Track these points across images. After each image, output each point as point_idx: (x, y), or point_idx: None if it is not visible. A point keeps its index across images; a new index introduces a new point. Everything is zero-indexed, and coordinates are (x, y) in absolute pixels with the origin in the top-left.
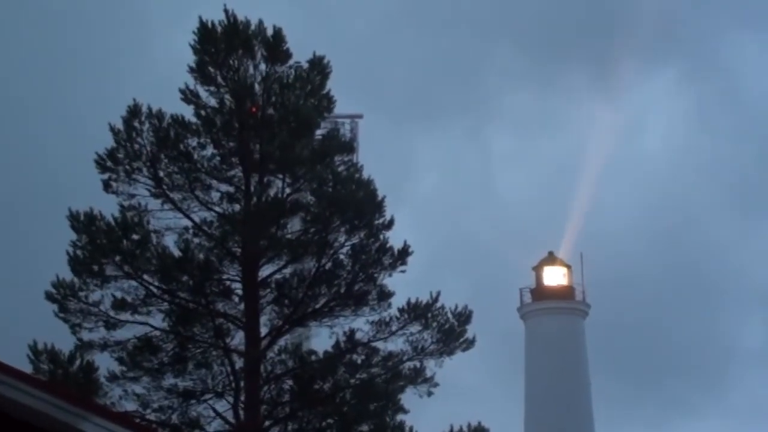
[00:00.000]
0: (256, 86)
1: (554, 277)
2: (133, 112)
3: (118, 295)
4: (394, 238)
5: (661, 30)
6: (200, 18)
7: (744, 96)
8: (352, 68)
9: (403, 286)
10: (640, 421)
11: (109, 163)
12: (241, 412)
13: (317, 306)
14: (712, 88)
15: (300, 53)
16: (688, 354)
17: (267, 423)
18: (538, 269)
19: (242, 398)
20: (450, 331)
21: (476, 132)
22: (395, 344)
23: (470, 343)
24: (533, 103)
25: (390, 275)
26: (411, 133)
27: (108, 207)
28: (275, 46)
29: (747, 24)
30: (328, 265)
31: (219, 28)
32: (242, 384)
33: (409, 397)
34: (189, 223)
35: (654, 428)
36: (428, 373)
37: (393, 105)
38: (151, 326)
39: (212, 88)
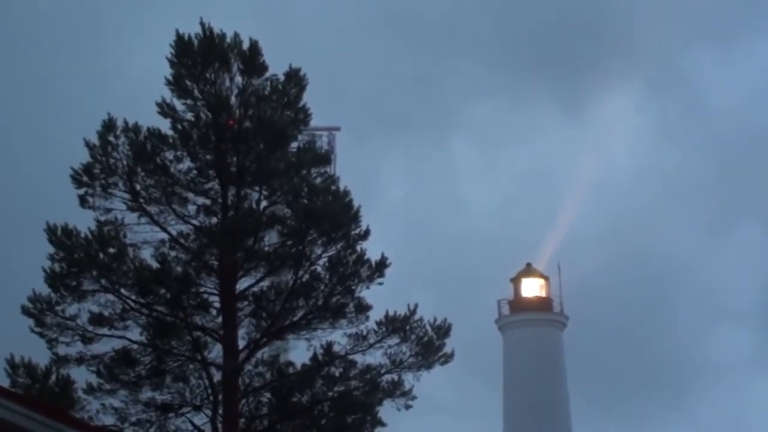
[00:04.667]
0: (233, 99)
1: (532, 288)
2: (108, 126)
3: (95, 309)
4: (369, 251)
5: (624, 44)
6: (177, 31)
7: (707, 110)
8: (317, 82)
9: (375, 298)
10: None
11: (85, 178)
12: (220, 426)
13: (295, 319)
14: (676, 102)
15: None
16: (653, 368)
17: None
18: (516, 281)
19: (220, 411)
20: (429, 344)
21: (441, 144)
22: (373, 357)
23: (449, 357)
24: (497, 115)
25: (368, 287)
26: (376, 146)
27: (85, 222)
28: (251, 59)
29: (709, 38)
30: (306, 278)
31: (195, 42)
32: (220, 397)
33: (387, 411)
34: (166, 237)
35: None
36: (406, 386)
37: (357, 118)
38: (129, 340)
39: (189, 102)
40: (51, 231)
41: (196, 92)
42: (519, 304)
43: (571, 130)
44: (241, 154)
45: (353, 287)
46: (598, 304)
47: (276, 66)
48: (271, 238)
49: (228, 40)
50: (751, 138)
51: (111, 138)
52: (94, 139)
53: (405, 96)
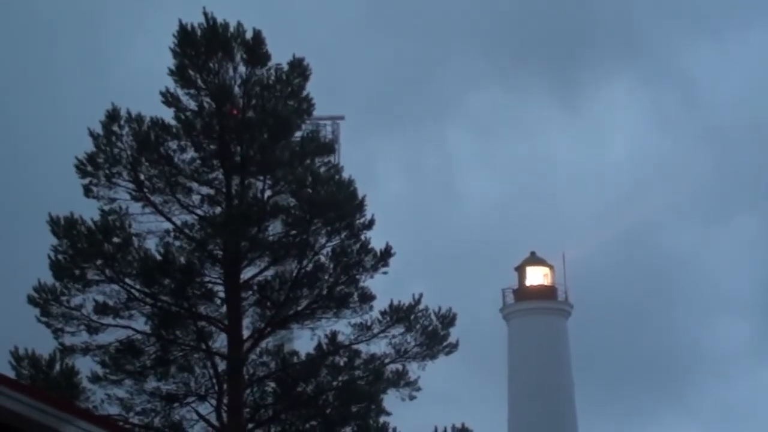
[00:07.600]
0: (236, 89)
1: (536, 277)
2: (112, 116)
3: (100, 299)
4: (372, 240)
5: (620, 35)
6: (180, 21)
7: (703, 101)
8: (317, 72)
9: (379, 288)
10: (608, 426)
11: (89, 168)
12: (224, 415)
13: (299, 308)
14: (672, 92)
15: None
16: (655, 357)
17: (250, 426)
18: (520, 269)
19: (225, 401)
20: (433, 334)
21: (439, 135)
22: (378, 347)
23: (453, 347)
24: (495, 106)
25: (372, 277)
26: (374, 136)
27: (88, 212)
28: (255, 49)
29: (704, 30)
30: (310, 267)
31: (198, 31)
32: (225, 387)
33: (391, 401)
34: (170, 226)
35: None
36: (411, 377)
37: (356, 109)
38: (134, 330)
39: (192, 91)
40: (54, 222)
41: (199, 82)
42: (523, 293)
43: (568, 120)
44: (244, 144)
45: (357, 277)
46: (603, 293)
47: (278, 56)
48: (276, 228)
49: (231, 29)
50: (747, 128)
51: (115, 128)
52: (98, 129)
53: (403, 87)
